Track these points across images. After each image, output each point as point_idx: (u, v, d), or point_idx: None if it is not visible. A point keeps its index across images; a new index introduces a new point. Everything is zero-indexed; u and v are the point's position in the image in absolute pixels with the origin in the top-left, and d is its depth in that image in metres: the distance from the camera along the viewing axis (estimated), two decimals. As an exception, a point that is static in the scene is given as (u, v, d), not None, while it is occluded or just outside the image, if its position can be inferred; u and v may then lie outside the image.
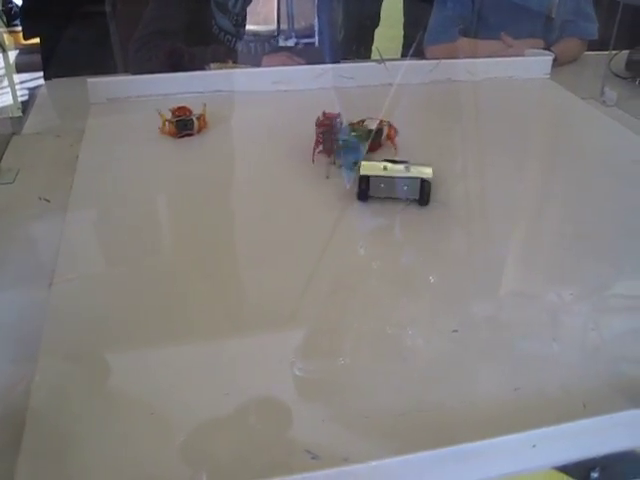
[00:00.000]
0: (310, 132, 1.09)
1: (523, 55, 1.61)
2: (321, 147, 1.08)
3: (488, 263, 0.86)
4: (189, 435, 0.59)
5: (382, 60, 1.42)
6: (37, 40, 2.02)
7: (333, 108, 1.12)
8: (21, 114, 1.38)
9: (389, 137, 1.13)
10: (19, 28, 2.42)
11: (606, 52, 1.55)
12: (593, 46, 1.79)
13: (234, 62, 1.50)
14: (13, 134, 1.24)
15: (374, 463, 0.55)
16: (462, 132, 1.25)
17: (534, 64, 1.56)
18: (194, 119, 1.18)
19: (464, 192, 1.04)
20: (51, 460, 0.57)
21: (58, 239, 0.88)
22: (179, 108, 1.19)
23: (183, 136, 1.18)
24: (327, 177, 1.04)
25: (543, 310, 0.78)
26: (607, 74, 1.52)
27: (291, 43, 1.92)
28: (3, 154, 1.15)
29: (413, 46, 1.72)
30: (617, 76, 1.58)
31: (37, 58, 1.99)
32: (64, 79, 1.56)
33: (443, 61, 1.48)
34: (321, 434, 0.59)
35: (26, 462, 0.56)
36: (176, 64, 1.45)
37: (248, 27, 1.75)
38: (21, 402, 0.62)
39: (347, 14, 1.92)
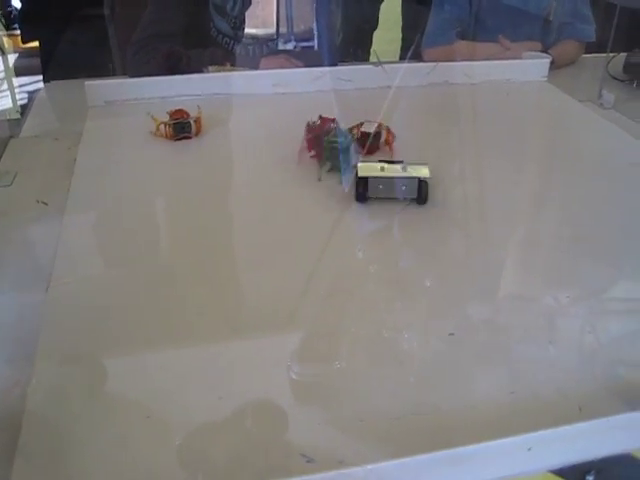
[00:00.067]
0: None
1: (521, 58, 1.61)
2: (313, 152, 1.08)
3: (485, 265, 0.86)
4: (186, 438, 0.59)
5: (379, 63, 1.42)
6: (36, 43, 2.02)
7: (331, 111, 1.13)
8: (19, 117, 1.38)
9: (387, 141, 1.13)
10: (18, 32, 2.42)
11: (604, 54, 1.55)
12: (591, 48, 1.79)
13: (232, 65, 1.50)
14: (11, 137, 1.24)
15: (369, 466, 0.55)
16: (459, 134, 1.25)
17: (531, 67, 1.56)
18: (191, 122, 1.18)
19: (462, 194, 1.04)
20: (48, 463, 0.57)
21: (55, 242, 0.88)
22: (176, 111, 1.19)
23: (180, 139, 1.18)
24: (319, 179, 1.04)
25: (540, 313, 0.78)
26: (605, 76, 1.52)
27: (290, 46, 1.93)
28: (1, 157, 1.15)
29: (411, 49, 1.72)
30: (615, 79, 1.58)
31: (37, 61, 2.00)
32: (63, 82, 1.57)
33: (440, 64, 1.48)
34: (317, 437, 0.59)
35: (23, 465, 0.56)
36: (174, 67, 1.45)
37: (247, 30, 1.75)
38: (18, 405, 0.62)
39: (346, 17, 1.92)
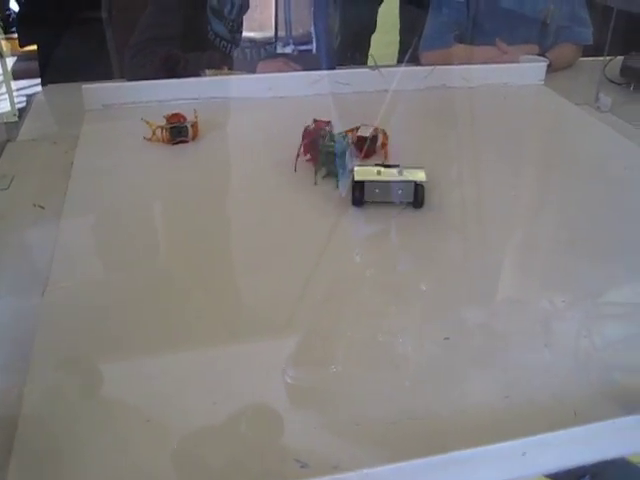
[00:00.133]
0: (305, 139, 1.09)
1: (518, 61, 1.61)
2: (309, 155, 1.08)
3: (481, 269, 0.87)
4: (182, 442, 0.59)
5: (376, 67, 1.42)
6: (35, 47, 2.02)
7: (328, 115, 1.13)
8: (17, 119, 1.38)
9: (383, 145, 1.13)
10: (17, 35, 2.42)
11: (601, 58, 1.56)
12: (588, 52, 1.80)
13: (229, 68, 1.50)
14: (8, 141, 1.24)
15: (364, 471, 0.55)
16: (456, 138, 1.26)
17: (528, 70, 1.56)
18: (188, 126, 1.18)
19: (458, 197, 1.04)
20: (44, 466, 0.58)
21: (52, 246, 0.88)
22: (173, 115, 1.19)
23: (177, 143, 1.18)
24: (315, 184, 1.04)
25: (536, 317, 0.78)
26: (602, 80, 1.52)
27: (289, 50, 1.92)
28: (-2, 160, 1.16)
29: (409, 52, 1.72)
30: (612, 82, 1.58)
31: (35, 65, 2.00)
32: (61, 85, 1.57)
33: (438, 67, 1.48)
34: (312, 442, 0.59)
35: (18, 470, 0.56)
36: (172, 70, 1.46)
37: (245, 34, 1.75)
38: (13, 409, 0.62)
39: (344, 21, 1.92)
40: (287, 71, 1.53)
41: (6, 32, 2.59)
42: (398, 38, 2.32)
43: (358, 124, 1.12)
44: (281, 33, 1.84)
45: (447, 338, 0.72)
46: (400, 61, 2.06)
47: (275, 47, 1.77)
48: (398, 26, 2.34)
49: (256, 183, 1.08)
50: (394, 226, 0.95)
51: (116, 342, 0.72)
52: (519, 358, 0.71)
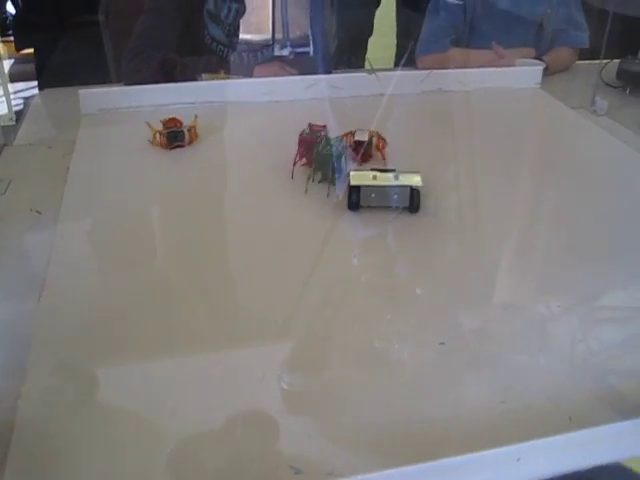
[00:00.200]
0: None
1: (514, 65, 1.62)
2: (304, 160, 1.08)
3: (476, 274, 0.87)
4: (177, 449, 0.59)
5: (373, 70, 1.42)
6: (31, 50, 2.03)
7: (325, 119, 1.13)
8: (14, 123, 1.38)
9: (377, 148, 1.13)
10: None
11: (597, 61, 1.56)
12: (584, 55, 1.80)
13: (226, 72, 1.50)
14: (5, 145, 1.24)
15: (359, 477, 0.55)
16: (452, 142, 1.26)
17: (525, 74, 1.56)
18: (185, 131, 1.18)
19: (454, 202, 1.05)
20: (39, 473, 0.58)
21: (49, 251, 0.88)
22: (170, 120, 1.19)
23: (174, 147, 1.18)
24: (305, 192, 1.04)
25: (531, 322, 0.78)
26: (598, 83, 1.53)
27: (286, 52, 1.92)
28: (-5, 165, 1.16)
29: (405, 56, 1.72)
30: (608, 85, 1.58)
31: (32, 67, 2.00)
32: (58, 89, 1.57)
33: (434, 71, 1.49)
34: (307, 448, 0.59)
35: (14, 475, 0.56)
36: (168, 74, 1.46)
37: (242, 36, 1.75)
38: (9, 413, 0.62)
39: (340, 24, 1.92)
40: (283, 75, 1.53)
41: (3, 35, 2.59)
42: (395, 41, 2.33)
43: (353, 128, 1.13)
44: (278, 35, 1.84)
45: (443, 343, 0.72)
46: (397, 64, 2.06)
47: (272, 49, 1.77)
48: (395, 29, 2.35)
49: (252, 188, 1.08)
50: (390, 231, 0.95)
51: (112, 346, 0.73)
52: (515, 363, 0.71)
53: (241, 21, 1.72)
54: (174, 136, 1.17)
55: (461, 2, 1.73)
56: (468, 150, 1.22)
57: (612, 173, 1.15)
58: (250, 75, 1.54)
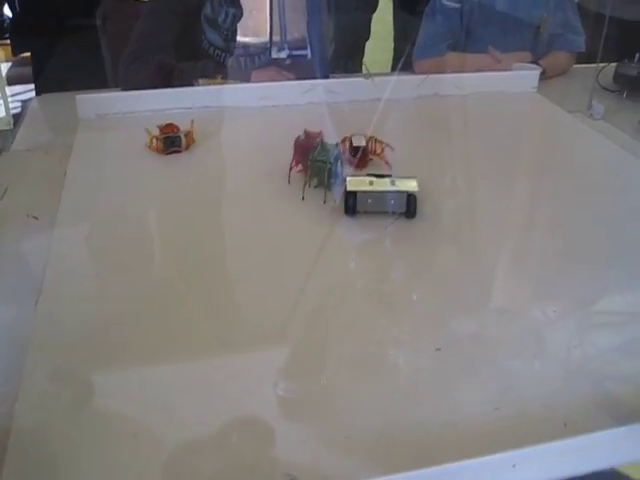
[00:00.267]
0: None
1: (511, 69, 1.62)
2: (300, 166, 1.08)
3: (473, 280, 0.87)
4: (173, 455, 0.59)
5: (369, 75, 1.43)
6: (28, 53, 2.03)
7: (321, 124, 1.13)
8: (12, 127, 1.38)
9: (374, 152, 1.13)
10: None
11: (594, 65, 1.56)
12: (581, 59, 1.80)
13: (223, 77, 1.50)
14: (2, 150, 1.24)
15: (354, 484, 0.55)
16: (449, 147, 1.26)
17: (521, 78, 1.57)
18: (181, 136, 1.18)
19: (450, 207, 1.05)
20: (35, 478, 0.58)
21: (46, 256, 0.88)
22: (166, 125, 1.20)
23: (170, 153, 1.18)
24: (302, 199, 1.04)
25: (527, 328, 0.78)
26: (595, 87, 1.53)
27: (284, 55, 1.93)
28: (-8, 171, 1.15)
29: (402, 60, 1.72)
30: (605, 89, 1.58)
31: (29, 70, 2.00)
32: (55, 94, 1.57)
33: (431, 76, 1.49)
34: (302, 455, 0.59)
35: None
36: (166, 79, 1.46)
37: (239, 39, 1.75)
38: (6, 419, 0.62)
39: (337, 28, 1.93)
40: (280, 80, 1.53)
41: (0, 38, 2.59)
42: (392, 45, 2.33)
43: (350, 133, 1.13)
44: (276, 38, 1.85)
45: (438, 349, 0.72)
46: (394, 68, 2.06)
47: (270, 52, 1.78)
48: (392, 33, 2.35)
49: (249, 193, 1.08)
50: (386, 236, 0.95)
51: (108, 352, 0.73)
52: (510, 369, 0.71)
53: (239, 25, 1.72)
54: (171, 141, 1.18)
55: (458, 6, 1.73)
56: (465, 155, 1.23)
57: (609, 177, 1.15)
58: (247, 80, 1.55)
